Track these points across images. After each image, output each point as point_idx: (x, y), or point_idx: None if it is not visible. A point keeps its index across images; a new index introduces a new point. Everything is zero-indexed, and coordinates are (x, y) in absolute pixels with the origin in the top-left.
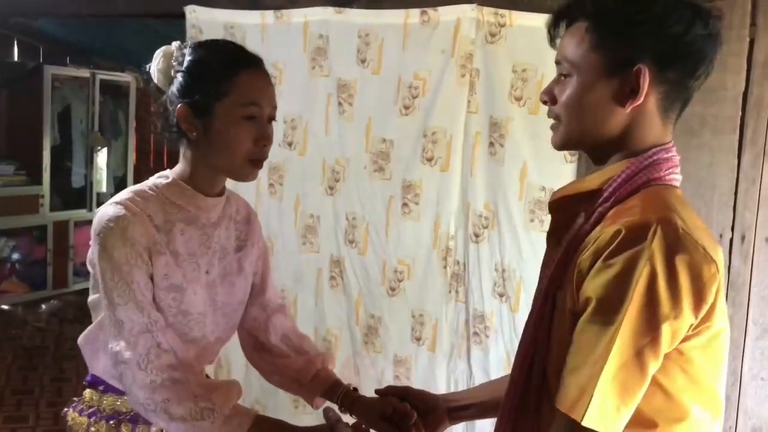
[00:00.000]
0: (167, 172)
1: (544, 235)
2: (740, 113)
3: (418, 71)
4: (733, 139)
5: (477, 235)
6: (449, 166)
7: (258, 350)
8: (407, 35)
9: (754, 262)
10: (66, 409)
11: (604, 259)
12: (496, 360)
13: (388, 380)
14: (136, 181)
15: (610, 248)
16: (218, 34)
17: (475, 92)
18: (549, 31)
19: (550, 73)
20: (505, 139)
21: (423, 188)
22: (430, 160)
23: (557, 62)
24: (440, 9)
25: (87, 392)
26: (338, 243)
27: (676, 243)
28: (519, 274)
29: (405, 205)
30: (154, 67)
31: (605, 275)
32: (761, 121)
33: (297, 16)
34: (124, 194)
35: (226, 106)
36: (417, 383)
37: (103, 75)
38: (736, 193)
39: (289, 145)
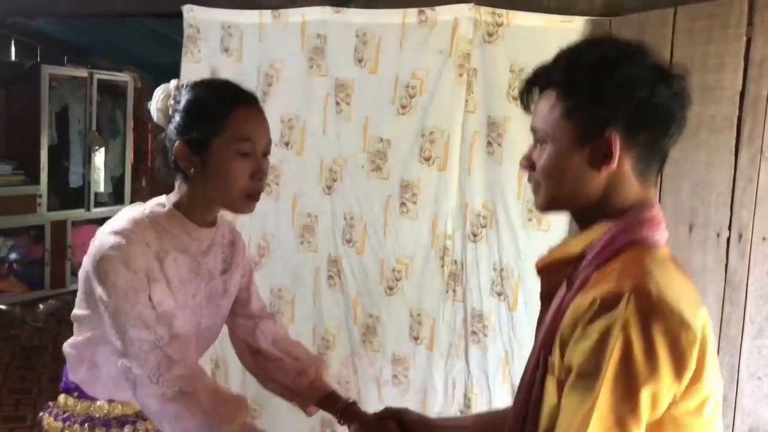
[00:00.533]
0: (163, 199)
1: (543, 234)
2: (737, 112)
3: (415, 71)
4: (731, 138)
5: (475, 235)
6: (447, 165)
7: (252, 355)
8: (405, 35)
9: (751, 260)
10: (41, 414)
11: (582, 328)
12: (495, 359)
13: (387, 379)
14: (134, 180)
15: (587, 317)
16: (216, 34)
17: (473, 92)
18: (522, 99)
19: None
20: (503, 139)
21: (421, 188)
22: (427, 159)
23: (533, 129)
24: (438, 9)
25: (62, 397)
26: (336, 242)
27: (650, 311)
28: (517, 273)
29: (403, 204)
30: (154, 105)
31: (583, 344)
32: (758, 120)
33: (295, 15)
34: (122, 223)
35: (222, 142)
36: (415, 382)
37: (100, 74)
38: (733, 192)
39: (286, 144)
